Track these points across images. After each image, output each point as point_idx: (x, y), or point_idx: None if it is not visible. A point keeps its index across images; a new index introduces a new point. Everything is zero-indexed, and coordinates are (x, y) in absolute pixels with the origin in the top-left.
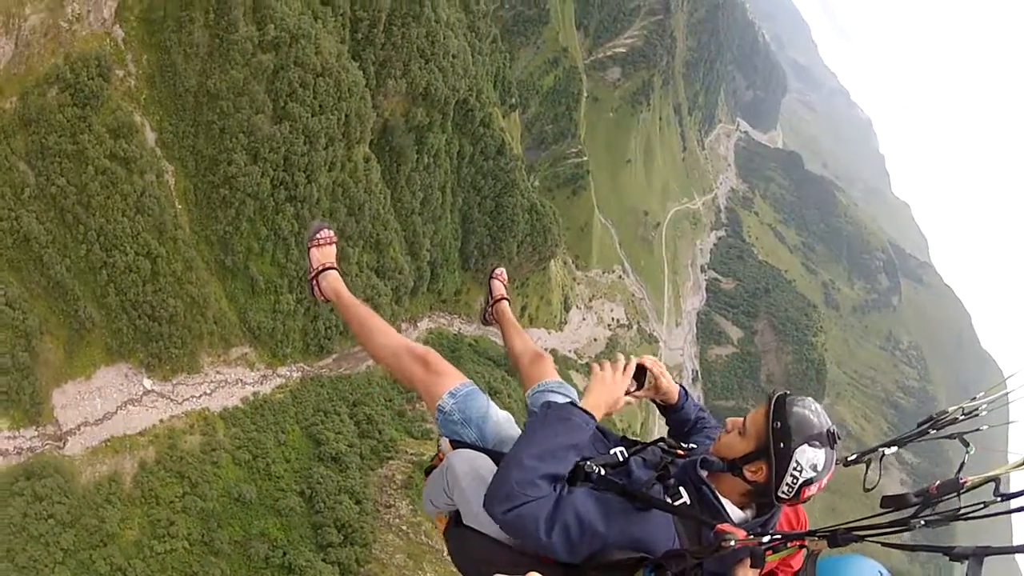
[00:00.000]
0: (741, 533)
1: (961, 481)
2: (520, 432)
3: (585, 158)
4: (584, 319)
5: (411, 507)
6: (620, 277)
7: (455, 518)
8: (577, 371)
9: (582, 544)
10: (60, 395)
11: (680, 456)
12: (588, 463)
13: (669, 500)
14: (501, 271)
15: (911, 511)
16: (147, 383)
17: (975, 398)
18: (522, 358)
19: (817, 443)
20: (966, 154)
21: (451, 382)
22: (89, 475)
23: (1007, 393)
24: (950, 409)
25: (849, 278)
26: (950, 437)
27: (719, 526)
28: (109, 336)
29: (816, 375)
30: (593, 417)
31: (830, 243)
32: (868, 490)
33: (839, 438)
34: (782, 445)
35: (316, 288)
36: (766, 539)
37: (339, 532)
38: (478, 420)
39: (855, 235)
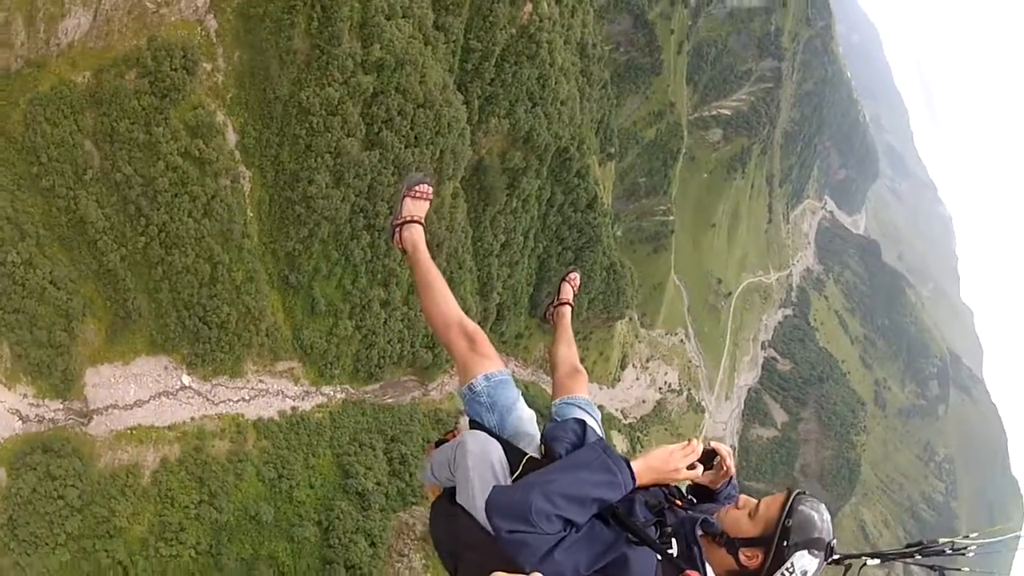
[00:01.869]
0: None
1: None
2: (537, 432)
3: (672, 218)
4: (637, 379)
5: (424, 562)
6: (682, 341)
7: (449, 493)
8: (619, 431)
9: (565, 562)
10: (94, 374)
11: (679, 506)
12: None
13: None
14: (575, 276)
15: None
16: (186, 379)
17: (967, 536)
18: (561, 366)
19: (816, 551)
20: None
21: (490, 366)
22: (108, 460)
23: (995, 541)
24: (940, 540)
25: (902, 379)
26: (932, 568)
27: (687, 571)
28: (155, 329)
29: (849, 475)
30: (635, 480)
31: (891, 340)
32: None
33: (835, 553)
34: (785, 543)
35: (398, 235)
36: None
37: (347, 572)
38: (503, 408)
39: (916, 337)
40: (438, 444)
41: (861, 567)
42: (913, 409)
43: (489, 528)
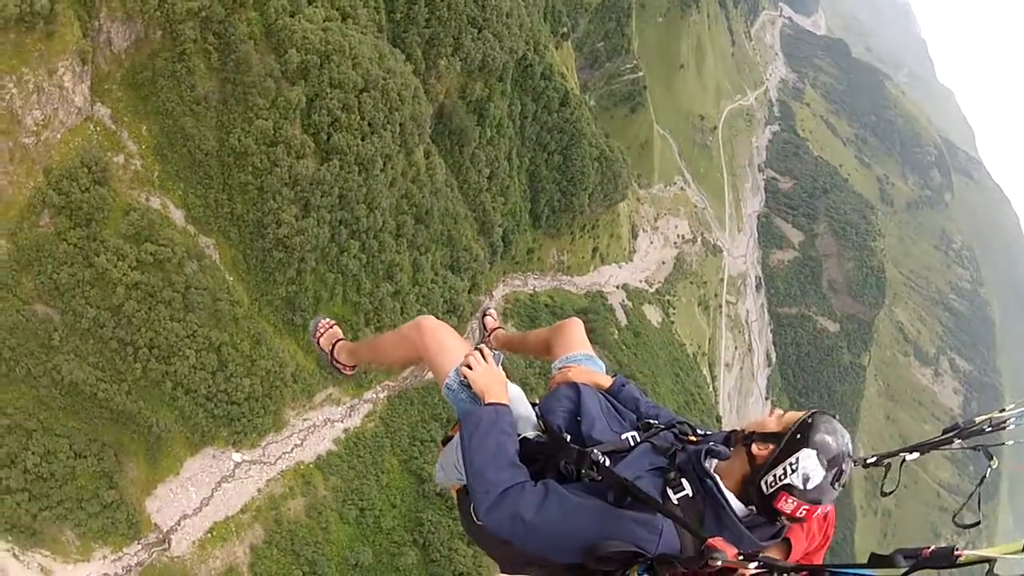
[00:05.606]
0: (731, 552)
1: (956, 553)
2: (530, 410)
3: (641, 73)
4: (651, 243)
5: None
6: (682, 188)
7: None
8: (650, 303)
9: (569, 534)
10: (153, 501)
11: (691, 443)
12: (594, 451)
13: (671, 492)
14: (491, 310)
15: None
16: (236, 457)
17: (1004, 410)
18: (549, 337)
19: (824, 460)
20: (1009, 43)
21: (457, 358)
22: (205, 575)
23: None
24: (978, 419)
25: (902, 173)
26: (975, 448)
27: (710, 541)
28: (188, 432)
29: (876, 282)
30: (496, 403)
31: (882, 135)
32: (886, 494)
33: (843, 477)
34: (798, 437)
35: (341, 367)
36: (752, 565)
37: None
38: None
39: (906, 128)
40: (444, 442)
41: (902, 464)
42: (920, 200)
43: None
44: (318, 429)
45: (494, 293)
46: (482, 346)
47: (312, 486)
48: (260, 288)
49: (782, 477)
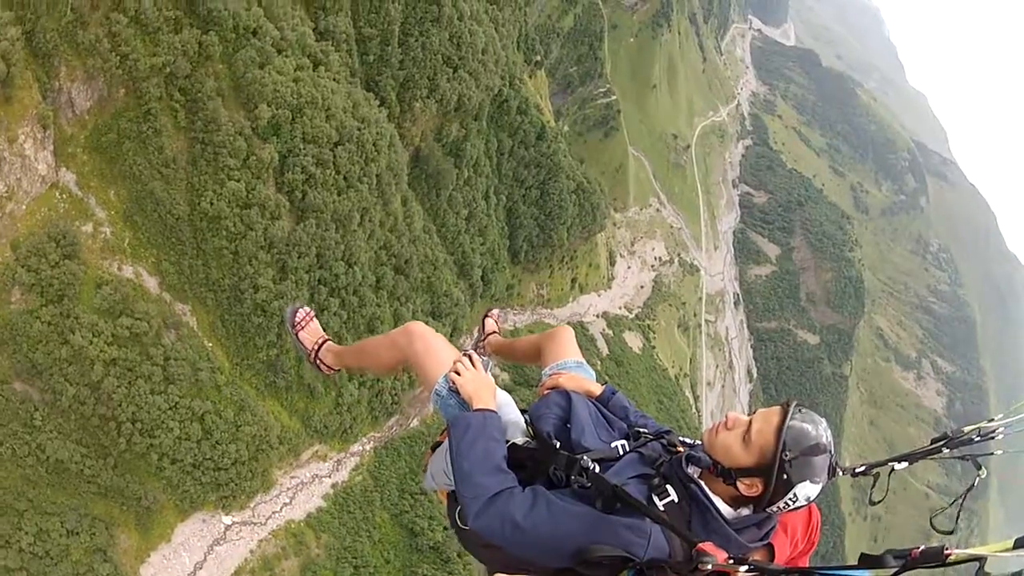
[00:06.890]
0: (721, 556)
1: (946, 552)
2: (519, 416)
3: (614, 97)
4: (629, 267)
5: None
6: (657, 210)
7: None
8: (630, 329)
9: (558, 539)
10: (147, 569)
11: (678, 453)
12: (584, 458)
13: (656, 499)
14: (495, 312)
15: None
16: (226, 519)
17: (992, 419)
18: (538, 344)
19: (818, 480)
20: (978, 42)
21: (446, 364)
22: None
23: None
24: (967, 429)
25: (876, 179)
26: (963, 458)
27: (700, 545)
28: (177, 500)
29: (854, 292)
30: (484, 409)
31: (854, 143)
32: (875, 503)
33: (837, 471)
34: (786, 477)
35: (322, 366)
36: (743, 569)
37: None
38: None
39: (879, 134)
40: (433, 448)
41: (890, 473)
42: (895, 206)
43: None
44: (306, 486)
45: (474, 333)
46: (470, 352)
47: (304, 545)
48: (240, 352)
49: (786, 507)
